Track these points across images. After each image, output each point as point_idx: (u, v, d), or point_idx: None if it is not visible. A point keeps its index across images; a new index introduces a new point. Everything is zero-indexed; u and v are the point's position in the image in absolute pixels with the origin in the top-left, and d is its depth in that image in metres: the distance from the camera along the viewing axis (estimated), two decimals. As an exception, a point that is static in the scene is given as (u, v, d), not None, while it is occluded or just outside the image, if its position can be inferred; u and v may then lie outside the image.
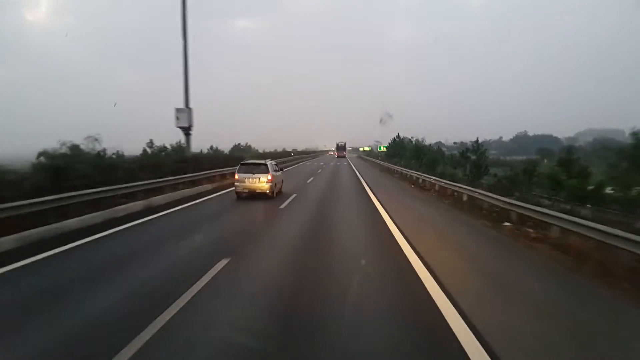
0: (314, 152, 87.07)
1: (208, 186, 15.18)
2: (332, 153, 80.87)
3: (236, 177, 12.62)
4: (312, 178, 22.16)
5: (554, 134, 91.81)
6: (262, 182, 12.35)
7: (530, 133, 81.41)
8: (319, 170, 29.22)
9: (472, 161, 25.79)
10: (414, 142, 39.16)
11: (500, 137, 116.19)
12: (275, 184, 13.15)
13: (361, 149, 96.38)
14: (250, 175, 12.42)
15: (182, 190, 13.14)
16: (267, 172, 12.54)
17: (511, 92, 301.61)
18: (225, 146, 34.63)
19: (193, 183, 14.68)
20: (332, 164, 42.49)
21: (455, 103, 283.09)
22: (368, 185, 18.86)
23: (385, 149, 45.98)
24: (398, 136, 44.52)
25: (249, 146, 49.78)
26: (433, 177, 17.25)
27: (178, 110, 17.58)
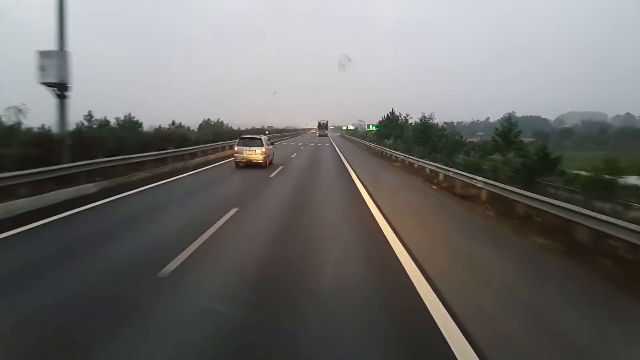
0: (294, 130, 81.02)
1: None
2: (314, 132, 79.70)
3: (235, 149, 14.88)
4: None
5: (542, 116, 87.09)
6: (257, 154, 14.68)
7: (519, 114, 76.32)
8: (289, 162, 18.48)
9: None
10: (414, 122, 32.07)
11: (487, 118, 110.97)
12: (268, 156, 15.30)
13: (344, 128, 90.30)
14: (247, 147, 14.73)
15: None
16: (261, 145, 14.86)
17: (498, 72, 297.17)
18: (194, 122, 30.47)
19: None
20: (311, 144, 36.13)
21: (442, 82, 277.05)
22: (369, 192, 9.99)
23: (374, 128, 38.76)
24: (392, 113, 35.98)
25: (221, 122, 43.59)
26: (481, 178, 9.40)
27: (43, 54, 10.07)
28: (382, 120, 36.14)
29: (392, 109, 35.33)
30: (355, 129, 70.25)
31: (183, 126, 30.23)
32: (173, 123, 36.98)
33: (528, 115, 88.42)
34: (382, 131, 34.26)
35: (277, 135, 47.27)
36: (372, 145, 31.84)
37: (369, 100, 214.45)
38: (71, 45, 10.10)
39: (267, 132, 41.04)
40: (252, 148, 14.67)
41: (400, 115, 34.44)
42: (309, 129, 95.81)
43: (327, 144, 36.94)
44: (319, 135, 68.25)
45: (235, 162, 14.77)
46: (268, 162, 15.18)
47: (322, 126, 73.32)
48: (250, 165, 14.51)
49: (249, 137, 15.62)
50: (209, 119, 43.06)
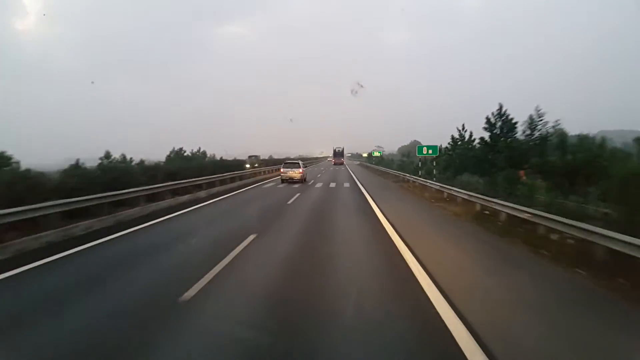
0: (307, 159, 68.28)
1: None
2: (330, 160, 77.84)
3: (281, 170, 23.99)
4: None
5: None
6: (296, 173, 23.24)
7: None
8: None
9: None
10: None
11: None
12: (304, 174, 23.96)
13: (365, 155, 77.93)
14: (290, 169, 23.49)
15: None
16: (299, 167, 23.82)
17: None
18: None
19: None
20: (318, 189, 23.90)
21: (460, 101, 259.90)
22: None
23: (428, 153, 22.57)
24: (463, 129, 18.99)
25: (203, 152, 37.39)
26: None
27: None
28: (450, 145, 19.94)
29: (463, 125, 18.78)
30: (381, 157, 54.95)
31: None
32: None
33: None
34: (446, 161, 18.72)
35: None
36: (432, 184, 17.37)
37: (385, 128, 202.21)
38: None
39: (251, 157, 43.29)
40: (293, 169, 23.46)
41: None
42: (324, 158, 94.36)
43: (347, 185, 22.61)
44: (335, 164, 65.12)
45: (282, 180, 23.39)
46: (304, 179, 23.72)
47: (338, 154, 70.54)
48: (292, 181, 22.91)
49: (291, 162, 25.10)
50: (181, 149, 30.87)
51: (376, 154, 57.12)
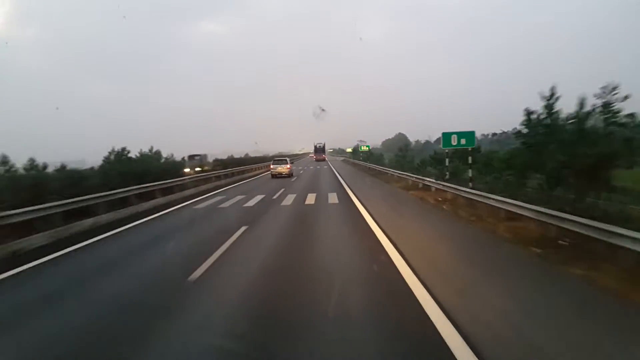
0: (285, 157, 61.62)
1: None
2: (312, 156, 74.24)
3: (271, 166, 26.94)
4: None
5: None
6: (285, 169, 26.02)
7: None
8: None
9: None
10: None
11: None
12: (291, 170, 26.81)
13: (349, 150, 71.47)
14: (278, 165, 26.41)
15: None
16: (287, 163, 26.67)
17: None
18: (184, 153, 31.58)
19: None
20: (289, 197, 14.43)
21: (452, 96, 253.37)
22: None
23: (463, 141, 15.63)
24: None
25: (157, 152, 28.35)
26: None
27: None
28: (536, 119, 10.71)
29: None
30: (370, 152, 46.49)
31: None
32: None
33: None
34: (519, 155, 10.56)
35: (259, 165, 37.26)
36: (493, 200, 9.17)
37: (367, 122, 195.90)
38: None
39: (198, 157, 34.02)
40: (282, 165, 26.38)
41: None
42: (306, 154, 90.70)
43: (333, 200, 13.08)
44: (316, 160, 62.15)
45: (271, 174, 26.12)
46: (291, 174, 26.26)
47: (319, 150, 68.16)
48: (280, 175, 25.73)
49: (279, 159, 28.30)
50: (123, 149, 20.26)
51: (364, 148, 47.86)
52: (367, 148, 47.51)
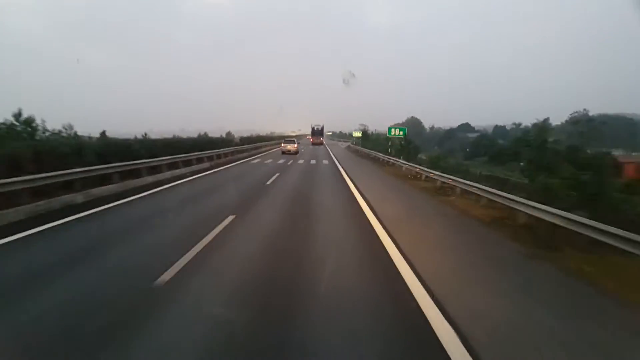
0: (293, 138, 60.64)
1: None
2: (309, 138, 67.97)
3: (282, 145, 34.05)
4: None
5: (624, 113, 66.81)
6: (293, 147, 32.65)
7: (593, 112, 49.16)
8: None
9: None
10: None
11: (546, 119, 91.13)
12: (298, 148, 33.67)
13: (357, 134, 56.77)
14: (288, 144, 33.32)
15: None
16: (295, 143, 33.64)
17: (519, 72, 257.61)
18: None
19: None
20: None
21: (466, 82, 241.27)
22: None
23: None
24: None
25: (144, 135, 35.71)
26: None
27: None
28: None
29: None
30: (377, 137, 45.73)
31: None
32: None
33: (605, 113, 62.30)
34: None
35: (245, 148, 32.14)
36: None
37: (370, 105, 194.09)
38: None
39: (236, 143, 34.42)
40: (292, 144, 33.17)
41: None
42: (303, 136, 77.95)
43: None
44: (313, 144, 57.08)
45: (282, 152, 32.65)
46: (297, 151, 32.81)
47: (317, 132, 62.64)
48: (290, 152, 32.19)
49: (289, 139, 36.31)
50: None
51: (397, 132, 26.36)
52: (403, 132, 49.58)
